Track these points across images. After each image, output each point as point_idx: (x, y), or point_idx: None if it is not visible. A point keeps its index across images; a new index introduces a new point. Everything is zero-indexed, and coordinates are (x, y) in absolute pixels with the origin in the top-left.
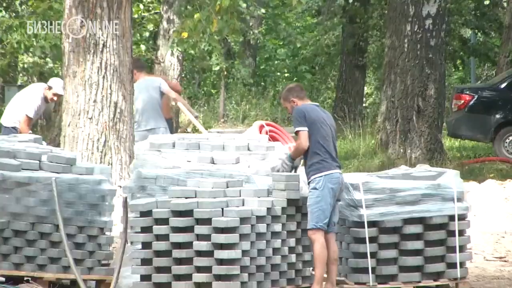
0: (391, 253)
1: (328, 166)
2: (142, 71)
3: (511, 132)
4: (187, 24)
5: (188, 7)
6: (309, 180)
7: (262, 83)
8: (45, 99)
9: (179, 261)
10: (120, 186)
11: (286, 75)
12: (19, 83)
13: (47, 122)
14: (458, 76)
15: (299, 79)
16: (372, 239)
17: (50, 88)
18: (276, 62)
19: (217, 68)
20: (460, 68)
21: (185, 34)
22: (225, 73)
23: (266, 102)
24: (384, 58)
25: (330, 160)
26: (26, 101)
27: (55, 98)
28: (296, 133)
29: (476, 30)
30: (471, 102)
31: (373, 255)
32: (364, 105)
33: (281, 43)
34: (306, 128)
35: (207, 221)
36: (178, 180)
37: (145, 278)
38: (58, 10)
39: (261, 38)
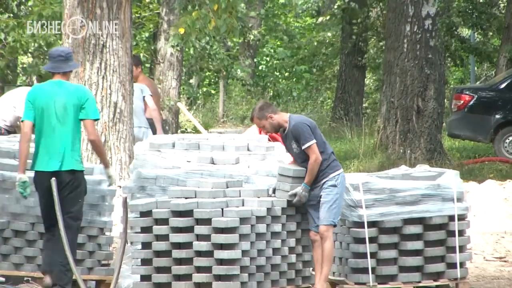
0: (391, 253)
1: (339, 164)
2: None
3: (511, 132)
4: (185, 19)
5: (189, 7)
6: (326, 179)
7: (261, 83)
8: None
9: (179, 261)
10: (120, 186)
11: (285, 74)
12: (18, 83)
13: None
14: (456, 76)
15: (298, 79)
16: (372, 239)
17: None
18: (275, 62)
19: (219, 60)
20: (459, 68)
21: (182, 30)
22: (224, 73)
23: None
24: (384, 59)
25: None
26: (19, 105)
27: None
28: (304, 149)
29: (475, 29)
30: (471, 102)
31: (373, 255)
32: (364, 105)
33: (279, 42)
34: (314, 140)
35: (207, 221)
36: (178, 180)
37: (145, 278)
38: (45, 15)
39: (261, 39)
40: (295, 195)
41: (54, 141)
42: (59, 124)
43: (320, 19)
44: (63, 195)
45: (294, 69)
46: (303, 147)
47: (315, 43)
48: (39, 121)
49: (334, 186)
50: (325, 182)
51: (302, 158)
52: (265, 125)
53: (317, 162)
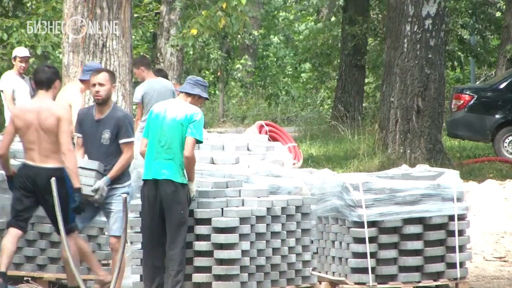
0: (391, 253)
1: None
2: (150, 69)
3: (510, 132)
4: (197, 19)
5: (190, 8)
6: (120, 185)
7: (259, 82)
8: (19, 73)
9: None
10: None
11: (286, 71)
12: None
13: None
14: (453, 76)
15: (298, 78)
16: (372, 239)
17: (15, 58)
18: (275, 60)
19: (215, 59)
20: (458, 70)
21: (194, 31)
22: (220, 74)
23: (265, 102)
24: (384, 59)
25: None
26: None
27: (23, 65)
28: (123, 143)
29: (474, 31)
30: (471, 102)
31: (373, 255)
32: (364, 105)
33: (275, 38)
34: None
35: (207, 221)
36: None
37: None
38: (59, 10)
39: (259, 39)
40: (97, 190)
41: (156, 152)
42: (164, 136)
43: (320, 24)
44: (164, 205)
45: (295, 68)
46: (123, 141)
47: (319, 46)
48: (150, 133)
49: (127, 193)
50: (117, 188)
51: (106, 151)
52: (105, 86)
53: (130, 160)
